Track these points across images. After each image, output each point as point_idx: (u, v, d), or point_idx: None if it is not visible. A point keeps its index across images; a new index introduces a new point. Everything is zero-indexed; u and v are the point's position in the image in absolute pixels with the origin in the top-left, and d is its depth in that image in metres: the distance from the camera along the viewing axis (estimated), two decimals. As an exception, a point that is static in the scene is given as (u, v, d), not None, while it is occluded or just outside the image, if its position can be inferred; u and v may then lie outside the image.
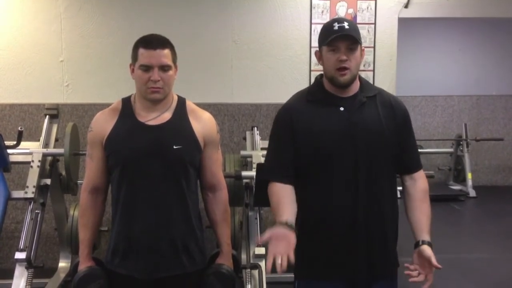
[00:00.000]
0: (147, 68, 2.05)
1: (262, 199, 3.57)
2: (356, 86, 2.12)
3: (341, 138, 2.06)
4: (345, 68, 2.03)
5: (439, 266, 2.04)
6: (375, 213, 2.09)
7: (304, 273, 2.15)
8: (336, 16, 4.76)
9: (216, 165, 2.27)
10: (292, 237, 1.92)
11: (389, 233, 2.15)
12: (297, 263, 2.01)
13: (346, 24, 2.03)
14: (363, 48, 2.10)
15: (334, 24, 2.04)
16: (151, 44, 2.06)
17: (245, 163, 4.13)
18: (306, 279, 2.16)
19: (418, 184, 2.17)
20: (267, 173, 2.21)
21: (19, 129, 3.61)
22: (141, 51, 2.07)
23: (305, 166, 2.11)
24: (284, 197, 2.08)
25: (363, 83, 2.16)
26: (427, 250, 2.05)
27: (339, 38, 2.01)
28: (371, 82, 4.77)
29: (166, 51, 2.08)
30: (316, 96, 2.15)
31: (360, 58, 2.08)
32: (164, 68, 2.07)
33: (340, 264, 2.10)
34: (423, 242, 2.07)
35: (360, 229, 2.07)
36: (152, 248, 2.12)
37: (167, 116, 2.15)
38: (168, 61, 2.08)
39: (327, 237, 2.11)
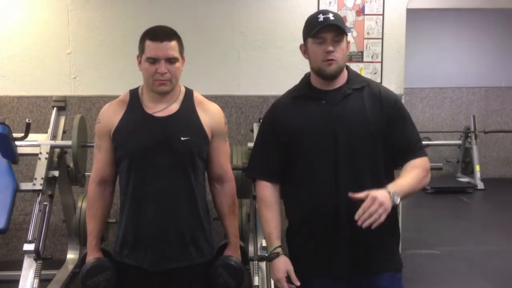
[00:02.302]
0: (154, 60, 2.05)
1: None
2: (342, 79, 2.09)
3: (321, 131, 2.04)
4: (332, 59, 2.01)
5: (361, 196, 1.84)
6: (357, 208, 1.90)
7: (295, 269, 2.11)
8: (344, 7, 4.74)
9: (224, 157, 2.27)
10: (285, 263, 2.09)
11: (379, 230, 1.90)
12: (290, 259, 2.11)
13: (331, 15, 2.01)
14: (348, 40, 2.08)
15: (319, 16, 2.03)
16: (157, 36, 2.05)
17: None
18: (298, 275, 2.10)
19: (422, 160, 2.05)
20: (251, 170, 2.26)
21: (27, 121, 3.62)
22: (148, 43, 2.06)
23: (290, 162, 2.12)
24: (269, 211, 2.16)
25: (351, 75, 2.13)
26: (380, 192, 1.85)
27: (325, 28, 2.00)
28: (379, 74, 4.76)
29: (173, 43, 2.07)
30: (301, 91, 2.16)
31: (346, 49, 2.05)
32: (171, 60, 2.06)
33: (324, 261, 2.08)
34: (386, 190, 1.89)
35: (341, 225, 2.01)
36: (160, 239, 2.12)
37: (174, 107, 2.15)
38: (175, 53, 2.07)
39: (310, 234, 2.10)
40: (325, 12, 2.05)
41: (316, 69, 2.07)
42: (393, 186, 1.90)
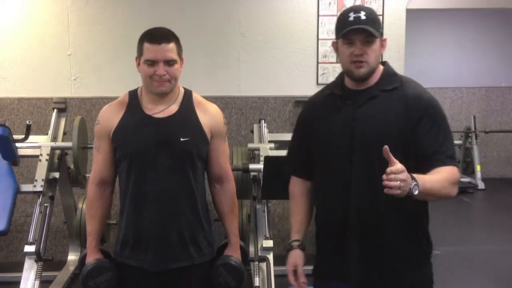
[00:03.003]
0: (152, 62, 2.05)
1: (270, 192, 3.61)
2: (374, 78, 1.97)
3: (339, 134, 1.98)
4: (361, 61, 1.90)
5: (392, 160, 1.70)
6: (369, 215, 1.93)
7: (314, 270, 2.14)
8: (343, 8, 4.74)
9: (223, 157, 2.27)
10: (296, 258, 2.10)
11: (394, 238, 1.94)
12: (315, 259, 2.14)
13: (362, 14, 1.88)
14: (384, 38, 1.95)
15: (350, 14, 1.90)
16: (156, 38, 2.05)
17: (253, 156, 4.13)
18: (315, 276, 2.15)
19: (452, 169, 1.88)
20: (285, 163, 2.27)
21: (28, 123, 3.63)
22: (146, 45, 2.06)
23: (314, 162, 2.09)
24: (295, 205, 2.17)
25: (384, 74, 1.99)
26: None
27: (353, 31, 1.88)
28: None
29: (171, 45, 2.06)
30: (332, 89, 2.07)
31: (379, 50, 1.93)
32: (169, 62, 2.06)
33: (338, 265, 2.04)
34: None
35: (352, 231, 1.96)
36: (160, 239, 2.13)
37: (174, 108, 2.15)
38: (173, 55, 2.07)
39: (325, 237, 2.10)
40: (357, 9, 1.91)
41: (346, 70, 1.97)
42: (416, 177, 1.74)
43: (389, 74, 2.01)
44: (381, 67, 2.01)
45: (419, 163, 1.87)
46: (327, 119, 2.03)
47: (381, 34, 1.94)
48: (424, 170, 1.85)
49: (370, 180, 1.91)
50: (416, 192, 1.71)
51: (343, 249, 2.00)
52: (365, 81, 1.96)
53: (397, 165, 1.68)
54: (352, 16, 1.89)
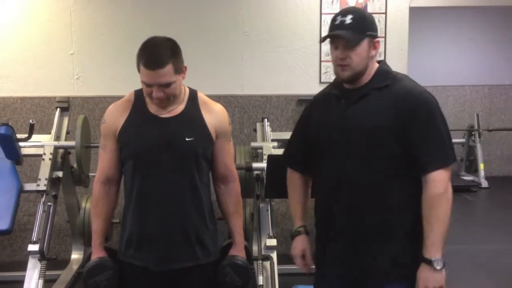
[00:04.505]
0: (148, 84, 2.04)
1: (273, 190, 3.61)
2: (367, 77, 2.01)
3: (333, 131, 2.03)
4: (344, 65, 1.95)
5: None
6: (358, 213, 1.99)
7: (316, 257, 2.21)
8: (346, 6, 4.73)
9: (228, 157, 2.27)
10: (303, 242, 2.23)
11: (382, 235, 1.99)
12: None
13: (349, 18, 1.93)
14: (376, 39, 1.98)
15: (337, 18, 1.96)
16: (149, 64, 2.00)
17: (256, 155, 4.12)
18: (315, 267, 2.23)
19: (427, 188, 1.91)
20: (283, 156, 2.34)
21: (31, 122, 3.63)
22: (142, 68, 2.02)
23: (315, 155, 2.15)
24: (293, 196, 2.28)
25: (377, 73, 2.02)
26: (420, 274, 1.92)
27: (333, 37, 1.96)
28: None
29: (166, 69, 2.01)
30: (331, 89, 2.13)
31: (367, 52, 1.95)
32: (165, 85, 2.04)
33: (331, 256, 2.12)
34: (423, 261, 1.92)
35: (340, 227, 2.04)
36: (165, 239, 2.13)
37: (179, 108, 2.16)
38: (168, 79, 2.02)
39: (319, 229, 2.18)
40: (344, 13, 1.97)
41: (334, 71, 2.03)
42: (429, 252, 1.89)
43: (382, 72, 2.04)
44: (375, 66, 2.05)
45: (415, 160, 1.93)
46: (324, 117, 2.09)
47: (371, 35, 1.97)
48: (419, 170, 1.92)
49: (357, 179, 1.98)
50: (441, 265, 1.89)
51: (333, 241, 2.08)
52: (353, 82, 2.01)
53: None
54: (338, 19, 1.96)
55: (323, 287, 2.20)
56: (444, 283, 1.91)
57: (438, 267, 1.88)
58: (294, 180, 2.27)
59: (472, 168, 7.64)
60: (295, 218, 2.26)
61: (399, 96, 1.94)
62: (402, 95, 1.94)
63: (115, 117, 2.17)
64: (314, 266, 2.25)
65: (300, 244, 2.22)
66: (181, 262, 2.15)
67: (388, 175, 1.97)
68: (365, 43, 1.94)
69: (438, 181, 1.90)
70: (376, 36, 2.00)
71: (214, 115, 2.20)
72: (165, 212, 2.12)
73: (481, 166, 7.31)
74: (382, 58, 4.75)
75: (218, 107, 2.24)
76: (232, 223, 2.30)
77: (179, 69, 2.07)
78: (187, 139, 2.10)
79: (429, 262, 1.89)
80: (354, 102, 2.00)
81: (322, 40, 1.99)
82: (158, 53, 2.02)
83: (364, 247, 2.01)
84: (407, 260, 1.99)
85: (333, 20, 1.98)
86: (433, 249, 1.89)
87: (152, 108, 2.14)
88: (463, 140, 7.66)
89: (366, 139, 1.96)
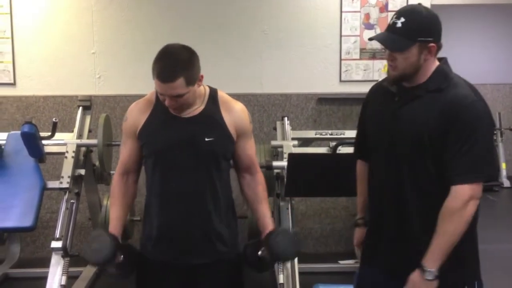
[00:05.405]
0: (161, 94, 2.06)
1: (293, 189, 3.61)
2: (423, 78, 1.95)
3: (383, 128, 2.04)
4: (392, 66, 1.95)
5: None
6: (399, 211, 2.00)
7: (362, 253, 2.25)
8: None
9: (252, 150, 2.27)
10: (361, 233, 2.28)
11: (416, 236, 1.99)
12: None
13: (400, 21, 1.89)
14: (431, 45, 1.90)
15: (393, 18, 1.93)
16: (161, 76, 2.00)
17: (276, 153, 4.13)
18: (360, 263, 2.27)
19: (446, 200, 1.88)
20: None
21: (54, 120, 3.67)
22: (155, 78, 2.03)
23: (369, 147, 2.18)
24: (359, 185, 2.30)
25: (434, 74, 1.95)
26: (411, 276, 1.92)
27: (376, 39, 1.97)
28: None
29: (177, 83, 1.99)
30: (387, 81, 2.08)
31: (416, 57, 1.90)
32: (177, 96, 2.04)
33: (372, 252, 2.15)
34: (419, 266, 1.91)
35: (384, 223, 2.07)
36: (185, 235, 2.14)
37: (199, 109, 2.16)
38: (179, 91, 2.01)
39: (369, 227, 2.22)
40: (399, 14, 1.92)
41: (387, 68, 2.03)
42: (425, 260, 1.89)
43: (440, 73, 1.96)
44: (435, 65, 1.98)
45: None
46: (377, 111, 2.10)
47: (423, 41, 1.89)
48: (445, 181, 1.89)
49: (396, 179, 1.99)
50: (432, 276, 1.88)
51: (378, 237, 2.10)
52: (401, 82, 1.98)
53: None
54: (392, 20, 1.93)
55: (367, 284, 2.21)
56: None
57: (429, 278, 1.88)
58: (359, 170, 2.30)
59: (494, 167, 7.56)
60: (357, 208, 2.33)
61: (447, 103, 1.89)
62: (450, 103, 1.88)
63: (136, 116, 2.19)
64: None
65: (358, 235, 2.30)
66: (200, 257, 2.16)
67: (430, 180, 1.94)
68: (414, 49, 1.89)
69: (458, 195, 1.86)
70: (432, 41, 1.91)
71: (234, 114, 2.20)
72: (184, 210, 2.14)
73: (503, 165, 7.23)
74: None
75: (239, 106, 2.24)
76: (261, 209, 2.26)
77: (192, 81, 2.04)
78: (206, 139, 2.11)
79: (423, 270, 1.89)
80: (406, 103, 1.97)
81: (369, 39, 2.03)
82: (170, 66, 2.01)
83: (411, 243, 2.00)
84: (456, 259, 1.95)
85: (391, 18, 1.95)
86: (430, 259, 1.89)
87: None
88: (484, 139, 7.58)
89: (411, 143, 1.94)
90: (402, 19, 1.89)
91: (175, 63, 2.01)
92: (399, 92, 2.00)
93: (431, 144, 1.90)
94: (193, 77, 2.04)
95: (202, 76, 2.10)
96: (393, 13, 2.01)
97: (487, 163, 1.90)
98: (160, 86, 2.02)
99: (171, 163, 2.12)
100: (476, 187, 1.86)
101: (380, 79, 2.25)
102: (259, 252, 2.19)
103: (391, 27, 1.91)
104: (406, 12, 1.93)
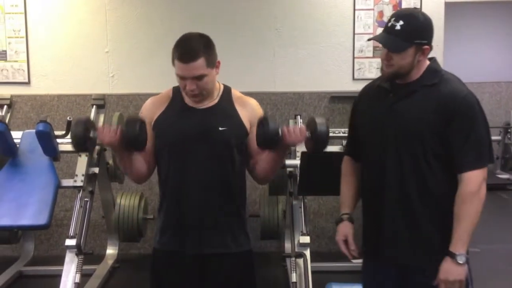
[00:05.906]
0: (182, 77, 2.09)
1: (306, 187, 3.61)
2: (416, 74, 2.06)
3: (379, 124, 2.10)
4: (386, 64, 2.04)
5: None
6: (402, 204, 2.07)
7: (363, 247, 2.24)
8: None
9: None
10: (346, 228, 2.22)
11: (422, 224, 2.06)
12: None
13: (399, 24, 1.98)
14: (425, 47, 2.01)
15: (391, 20, 2.02)
16: (183, 57, 2.05)
17: (289, 152, 4.12)
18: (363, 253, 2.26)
19: (461, 187, 1.99)
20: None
21: (68, 119, 3.70)
22: (176, 61, 2.08)
23: (361, 144, 2.22)
24: (344, 183, 2.31)
25: (427, 70, 2.07)
26: (442, 266, 1.98)
27: (375, 40, 2.06)
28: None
29: (199, 62, 2.04)
30: (381, 80, 2.16)
31: (411, 57, 2.00)
32: (198, 77, 2.07)
33: (371, 246, 2.20)
34: (448, 254, 1.98)
35: (383, 217, 2.11)
36: (198, 226, 2.16)
37: (214, 101, 2.20)
38: (201, 71, 2.06)
39: (365, 218, 2.24)
40: (398, 17, 2.01)
41: (381, 66, 2.10)
42: (455, 247, 1.96)
43: (431, 70, 2.08)
44: (426, 64, 2.09)
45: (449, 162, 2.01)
46: (371, 108, 2.16)
47: (420, 44, 2.00)
48: (451, 169, 2.01)
49: (399, 172, 2.05)
50: (464, 259, 1.96)
51: (378, 230, 2.14)
52: (395, 80, 2.07)
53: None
54: (390, 22, 2.02)
55: (376, 278, 2.22)
56: (464, 278, 1.98)
57: (461, 262, 1.95)
58: (345, 166, 2.33)
59: (507, 166, 7.50)
60: (341, 205, 2.30)
61: (443, 97, 2.00)
62: (446, 97, 2.00)
63: (151, 109, 2.23)
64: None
65: (342, 230, 2.24)
66: (213, 247, 2.18)
67: (427, 172, 2.03)
68: (411, 50, 1.99)
69: (472, 181, 1.98)
70: (426, 44, 2.02)
71: (248, 107, 2.23)
72: (198, 200, 2.16)
73: (517, 164, 7.18)
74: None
75: (252, 101, 2.28)
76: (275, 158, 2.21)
77: (212, 63, 2.10)
78: (220, 128, 2.14)
79: (453, 256, 1.96)
80: (401, 98, 2.06)
81: (368, 39, 2.11)
82: (191, 47, 2.07)
83: (411, 234, 2.07)
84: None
85: (388, 20, 2.04)
86: (459, 244, 1.97)
87: (189, 102, 2.19)
88: (498, 137, 7.53)
89: (409, 135, 2.03)
90: (401, 22, 1.98)
91: (196, 44, 2.08)
92: (393, 89, 2.09)
93: (431, 136, 2.00)
94: (213, 59, 2.10)
95: (219, 62, 2.15)
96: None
97: (489, 147, 2.06)
98: (182, 68, 2.05)
99: (186, 153, 2.15)
100: (485, 169, 2.02)
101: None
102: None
103: (390, 29, 2.00)
104: (405, 16, 2.02)
